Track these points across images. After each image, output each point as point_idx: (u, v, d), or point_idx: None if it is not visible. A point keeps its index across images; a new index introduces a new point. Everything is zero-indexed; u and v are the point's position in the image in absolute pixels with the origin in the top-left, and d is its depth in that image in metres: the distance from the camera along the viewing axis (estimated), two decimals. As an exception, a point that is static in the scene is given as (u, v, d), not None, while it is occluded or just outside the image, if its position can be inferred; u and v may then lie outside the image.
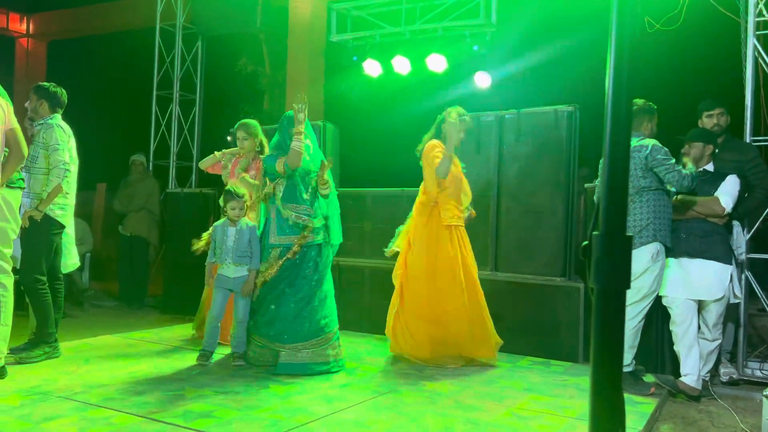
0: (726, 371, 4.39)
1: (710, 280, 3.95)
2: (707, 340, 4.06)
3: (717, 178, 4.11)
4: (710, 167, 4.19)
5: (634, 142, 4.07)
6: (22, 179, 3.87)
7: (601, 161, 1.38)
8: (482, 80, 7.05)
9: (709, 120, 4.54)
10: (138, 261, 7.12)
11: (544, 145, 5.00)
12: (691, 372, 3.92)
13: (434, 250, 4.43)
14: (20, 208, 3.87)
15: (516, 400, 3.58)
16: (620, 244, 1.11)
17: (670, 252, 4.03)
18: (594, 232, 1.13)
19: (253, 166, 4.78)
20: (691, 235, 4.03)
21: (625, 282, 1.12)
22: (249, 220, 4.30)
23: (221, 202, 4.32)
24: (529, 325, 4.86)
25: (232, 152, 4.87)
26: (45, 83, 4.37)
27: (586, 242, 1.15)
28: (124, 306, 7.01)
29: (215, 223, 4.33)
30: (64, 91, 4.37)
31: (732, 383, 4.33)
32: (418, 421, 3.12)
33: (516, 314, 4.91)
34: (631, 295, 3.73)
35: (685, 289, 3.98)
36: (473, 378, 4.10)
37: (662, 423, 3.58)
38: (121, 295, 7.20)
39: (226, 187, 4.40)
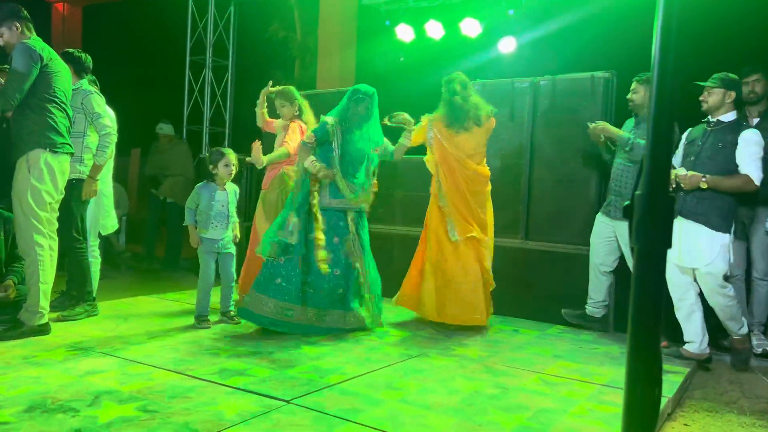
0: (759, 343, 4.34)
1: (698, 247, 3.78)
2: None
3: (730, 131, 3.82)
4: (726, 117, 3.88)
5: None
6: (69, 144, 3.89)
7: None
8: (506, 46, 6.88)
9: (745, 87, 4.41)
10: (173, 225, 7.24)
11: (579, 112, 4.91)
12: (693, 339, 3.88)
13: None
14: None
15: (545, 366, 3.61)
16: (662, 204, 1.10)
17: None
18: (637, 192, 1.12)
19: (293, 129, 4.82)
20: (689, 194, 3.83)
21: (667, 242, 1.11)
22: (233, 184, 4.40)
23: (209, 162, 4.30)
24: (559, 293, 4.85)
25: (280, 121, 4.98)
26: (70, 49, 4.45)
27: (627, 202, 1.14)
28: (141, 268, 7.00)
29: (198, 185, 4.30)
30: (88, 56, 4.44)
31: (765, 355, 4.28)
32: (447, 384, 3.17)
33: (546, 283, 4.91)
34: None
35: (674, 252, 3.79)
36: (502, 344, 4.13)
37: (692, 392, 3.57)
38: (147, 256, 7.25)
39: (213, 148, 4.47)
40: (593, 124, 4.42)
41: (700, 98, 3.94)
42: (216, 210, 4.21)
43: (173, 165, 7.20)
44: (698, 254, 3.80)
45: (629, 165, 4.32)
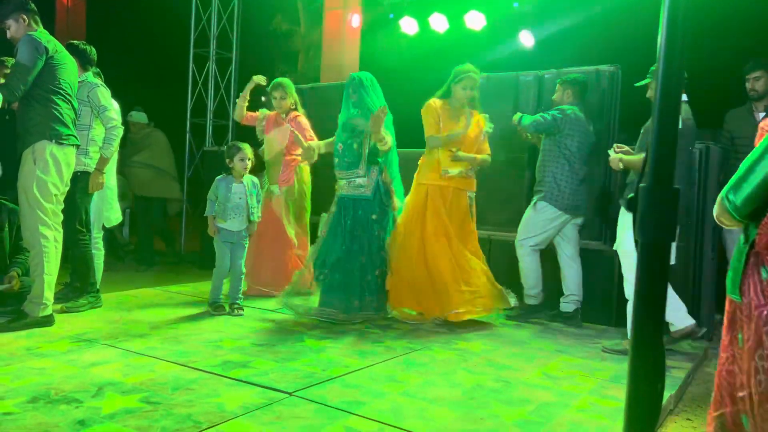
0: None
1: (621, 229, 3.84)
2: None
3: None
4: None
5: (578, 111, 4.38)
6: (75, 136, 3.88)
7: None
8: (526, 39, 6.90)
9: (746, 84, 4.43)
10: (157, 219, 7.08)
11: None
12: (671, 320, 3.84)
13: (420, 209, 4.50)
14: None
15: (547, 360, 3.61)
16: (666, 196, 1.10)
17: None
18: (641, 185, 1.12)
19: (288, 121, 5.01)
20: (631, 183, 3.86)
21: (671, 235, 1.11)
22: (252, 176, 4.51)
23: (226, 157, 4.40)
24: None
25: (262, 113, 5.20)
26: (75, 41, 4.45)
27: (632, 194, 1.14)
28: (138, 265, 6.81)
29: (218, 178, 4.40)
30: (93, 48, 4.45)
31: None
32: (450, 378, 3.17)
33: (550, 278, 4.89)
34: None
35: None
36: (504, 338, 4.13)
37: (694, 387, 3.57)
38: (147, 254, 6.92)
39: (230, 142, 4.64)
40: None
41: (647, 95, 3.97)
42: (234, 202, 4.33)
43: (147, 156, 6.83)
44: (618, 237, 3.87)
45: (539, 150, 4.57)
